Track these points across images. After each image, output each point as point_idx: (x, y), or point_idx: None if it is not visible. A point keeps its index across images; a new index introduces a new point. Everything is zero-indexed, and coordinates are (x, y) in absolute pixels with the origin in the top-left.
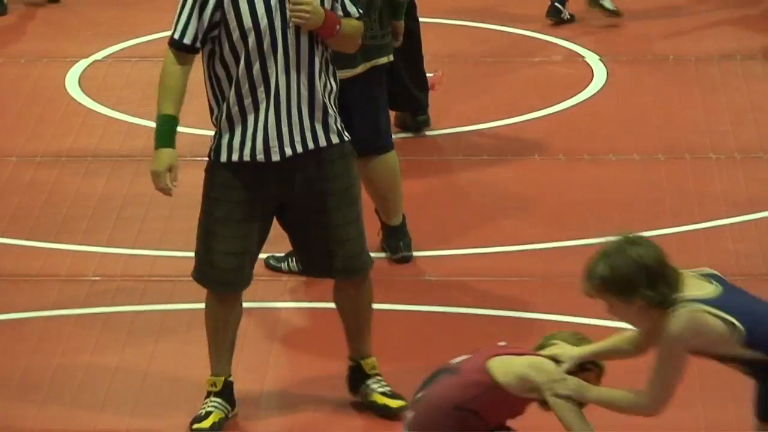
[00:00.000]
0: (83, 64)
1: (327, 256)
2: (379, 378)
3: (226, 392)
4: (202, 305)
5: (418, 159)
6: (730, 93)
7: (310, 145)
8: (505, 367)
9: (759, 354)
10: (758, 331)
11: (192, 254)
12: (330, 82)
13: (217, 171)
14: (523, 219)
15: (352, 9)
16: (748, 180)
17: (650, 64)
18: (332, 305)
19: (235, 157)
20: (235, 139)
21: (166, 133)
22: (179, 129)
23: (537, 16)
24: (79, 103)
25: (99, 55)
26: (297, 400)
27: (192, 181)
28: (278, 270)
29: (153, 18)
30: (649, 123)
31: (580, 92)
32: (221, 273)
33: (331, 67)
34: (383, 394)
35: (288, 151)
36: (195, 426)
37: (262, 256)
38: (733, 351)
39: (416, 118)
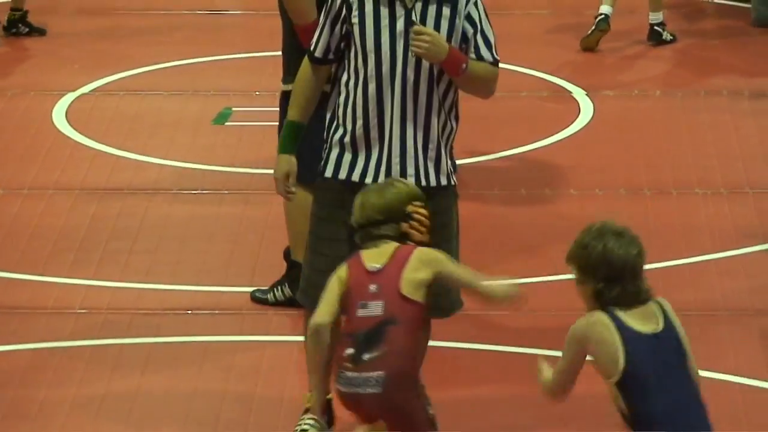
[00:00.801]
0: (70, 97)
1: None
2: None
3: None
4: (188, 338)
5: None
6: (716, 128)
7: (423, 182)
8: (413, 285)
9: (623, 404)
10: (633, 387)
11: (179, 287)
12: (450, 123)
13: (326, 191)
14: (499, 252)
15: (486, 54)
16: (734, 215)
17: (637, 99)
18: None
19: (342, 176)
20: (344, 157)
21: (286, 138)
22: (164, 162)
23: (521, 52)
24: (66, 136)
25: (86, 89)
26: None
27: (179, 214)
28: (265, 302)
29: (141, 52)
30: (636, 158)
31: (566, 127)
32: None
33: (454, 109)
34: None
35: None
36: None
37: (249, 289)
38: (608, 381)
39: None
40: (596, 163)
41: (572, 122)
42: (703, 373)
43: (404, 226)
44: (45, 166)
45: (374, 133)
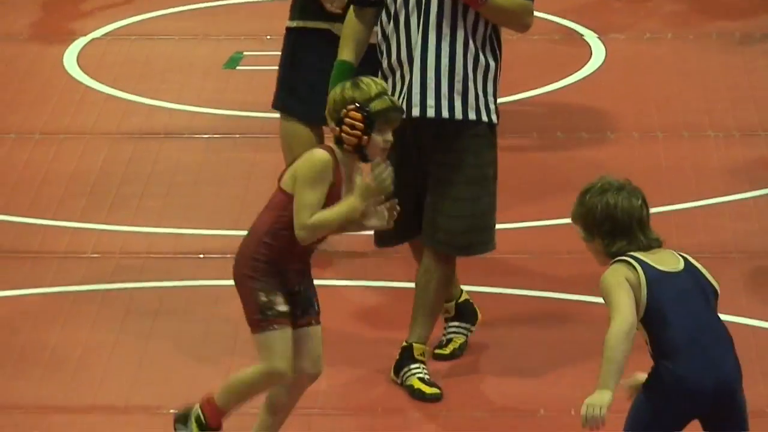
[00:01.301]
0: (81, 42)
1: (433, 224)
2: (422, 365)
3: (462, 312)
4: (200, 282)
5: None
6: (728, 70)
7: (444, 113)
8: (289, 180)
9: (645, 335)
10: (655, 320)
11: (191, 231)
12: (483, 57)
13: None
14: (520, 196)
15: None
16: (746, 158)
17: (649, 43)
18: (331, 281)
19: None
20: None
21: (335, 77)
22: (176, 106)
23: None
24: (78, 81)
25: (97, 33)
26: None
27: (190, 159)
28: None
29: None
30: (647, 101)
31: (578, 70)
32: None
33: (488, 44)
34: (421, 380)
35: (415, 112)
36: (437, 351)
37: None
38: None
39: None
40: (608, 107)
41: (584, 65)
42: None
43: (337, 130)
44: (56, 111)
45: (402, 63)
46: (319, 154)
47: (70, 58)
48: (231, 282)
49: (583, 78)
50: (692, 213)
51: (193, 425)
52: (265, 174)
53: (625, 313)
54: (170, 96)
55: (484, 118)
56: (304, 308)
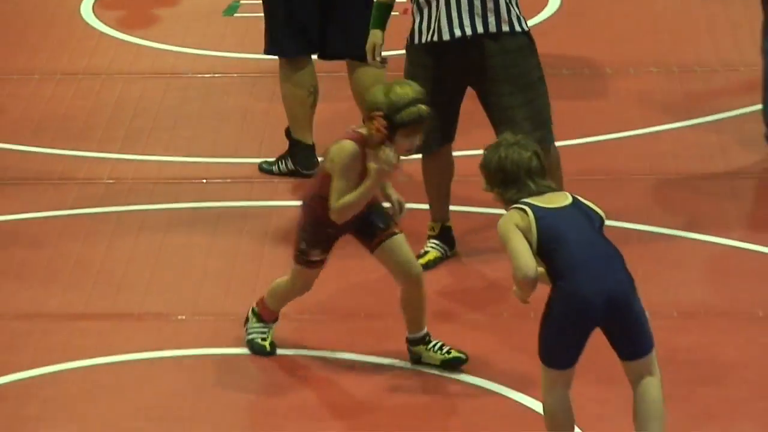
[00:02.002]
0: None
1: (499, 129)
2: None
3: (444, 235)
4: (204, 204)
5: None
6: (669, 10)
7: (479, 29)
8: (327, 157)
9: (542, 265)
10: (549, 251)
11: (195, 159)
12: None
13: (412, 52)
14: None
15: None
16: (685, 91)
17: None
18: None
19: (424, 39)
20: (423, 23)
21: (375, 18)
22: (181, 49)
23: None
24: (93, 27)
25: None
26: None
27: (194, 95)
28: (270, 173)
29: None
30: (599, 40)
31: (535, 16)
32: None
33: None
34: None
35: (457, 33)
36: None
37: (256, 160)
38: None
39: None
40: (562, 47)
41: (541, 11)
42: (658, 229)
43: (367, 125)
44: (75, 54)
45: None
46: (348, 147)
47: (86, 7)
48: (231, 203)
49: (540, 22)
50: (635, 140)
51: (252, 316)
52: (260, 108)
53: (522, 260)
54: (175, 40)
55: (518, 28)
56: (370, 233)
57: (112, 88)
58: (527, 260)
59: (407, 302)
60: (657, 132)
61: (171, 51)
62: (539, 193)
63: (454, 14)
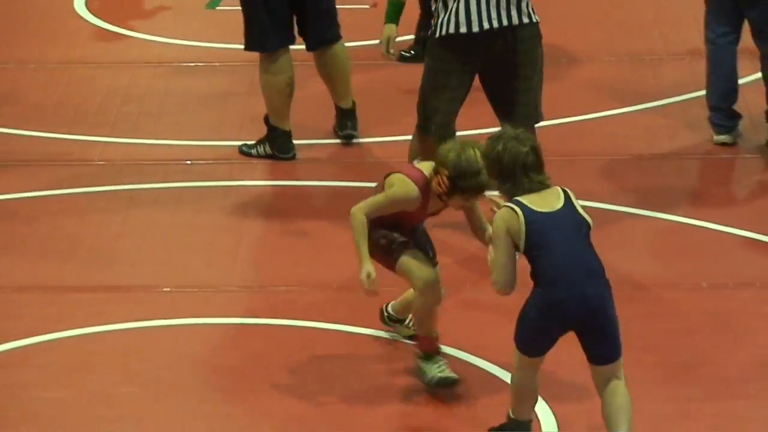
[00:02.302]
0: None
1: (512, 108)
2: None
3: None
4: (189, 183)
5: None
6: (620, 3)
7: (504, 21)
8: (388, 180)
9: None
10: (535, 253)
11: (180, 141)
12: None
13: (436, 47)
14: None
15: None
16: (635, 78)
17: None
18: (298, 182)
19: (452, 30)
20: (450, 16)
21: (389, 13)
22: (167, 40)
23: None
24: (86, 20)
25: None
26: (269, 266)
27: (179, 83)
28: (249, 155)
29: None
30: (555, 32)
31: None
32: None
33: None
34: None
35: (486, 25)
36: None
37: (237, 143)
38: (520, 254)
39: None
40: None
41: None
42: (609, 206)
43: (431, 174)
44: (68, 45)
45: None
46: (413, 193)
47: (79, 1)
48: (214, 183)
49: None
50: (587, 123)
51: (420, 362)
52: (240, 95)
53: (502, 277)
54: (162, 32)
55: (533, 19)
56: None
57: (103, 76)
58: (507, 278)
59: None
60: (608, 116)
61: (158, 42)
62: (533, 190)
63: (483, 7)
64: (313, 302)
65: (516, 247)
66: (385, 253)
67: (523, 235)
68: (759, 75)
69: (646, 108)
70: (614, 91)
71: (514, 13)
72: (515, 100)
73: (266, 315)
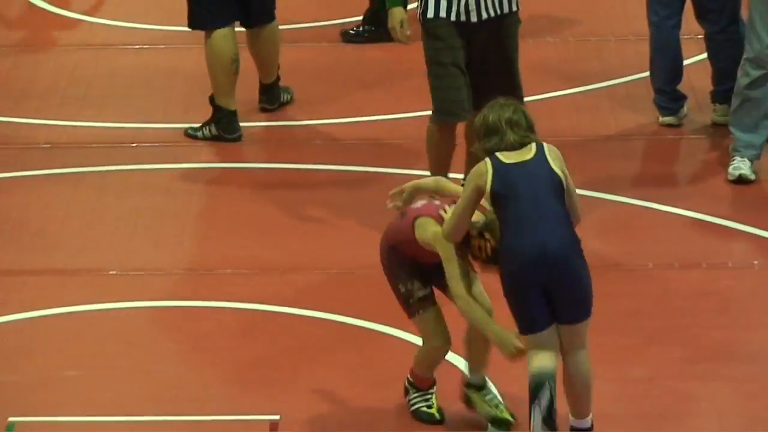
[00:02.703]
0: None
1: (503, 90)
2: None
3: None
4: (136, 166)
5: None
6: None
7: (499, 11)
8: (423, 228)
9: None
10: (499, 201)
11: (126, 124)
12: None
13: (432, 26)
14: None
15: None
16: (579, 59)
17: None
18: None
19: (452, 17)
20: (447, 1)
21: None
22: (111, 23)
23: None
24: (31, 3)
25: None
26: (216, 249)
27: (124, 65)
28: (195, 138)
29: None
30: None
31: None
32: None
33: None
34: None
35: (484, 15)
36: None
37: (183, 125)
38: (487, 203)
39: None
40: None
41: None
42: None
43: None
44: (13, 28)
45: None
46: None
47: None
48: (160, 165)
49: None
50: (534, 104)
51: (409, 387)
52: (185, 77)
53: (451, 221)
54: (107, 15)
55: (517, 7)
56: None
57: (48, 59)
58: (455, 226)
59: (473, 340)
60: (554, 97)
61: (102, 24)
62: (519, 143)
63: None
64: (260, 284)
65: (486, 198)
66: (403, 302)
67: (489, 183)
68: (704, 56)
69: (591, 89)
70: (559, 72)
71: (505, 2)
72: (500, 81)
73: (213, 298)
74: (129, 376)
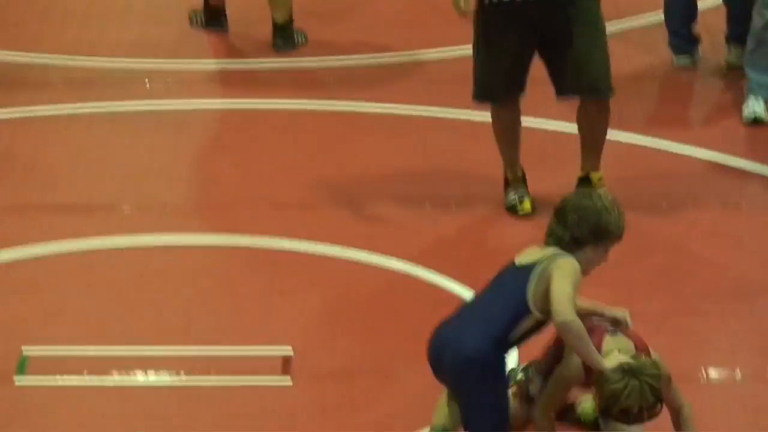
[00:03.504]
0: None
1: (577, 76)
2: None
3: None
4: (154, 101)
5: None
6: None
7: None
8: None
9: None
10: None
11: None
12: None
13: (485, 13)
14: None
15: None
16: None
17: None
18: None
19: None
20: None
21: None
22: None
23: None
24: None
25: None
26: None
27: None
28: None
29: None
30: None
31: None
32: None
33: None
34: None
35: None
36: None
37: (196, 60)
38: None
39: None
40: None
41: None
42: (568, 129)
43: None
44: None
45: None
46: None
47: None
48: (173, 102)
49: None
50: None
51: None
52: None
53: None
54: None
55: None
56: None
57: None
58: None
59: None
60: None
61: None
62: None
63: None
64: (273, 219)
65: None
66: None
67: None
68: None
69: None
70: None
71: None
72: (573, 64)
73: (226, 231)
74: (145, 310)
